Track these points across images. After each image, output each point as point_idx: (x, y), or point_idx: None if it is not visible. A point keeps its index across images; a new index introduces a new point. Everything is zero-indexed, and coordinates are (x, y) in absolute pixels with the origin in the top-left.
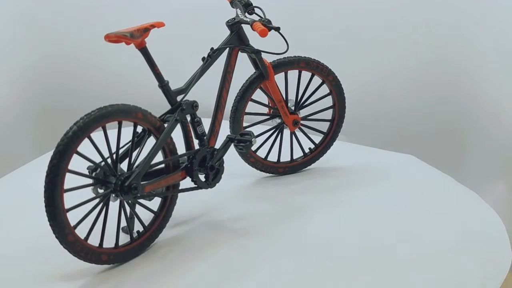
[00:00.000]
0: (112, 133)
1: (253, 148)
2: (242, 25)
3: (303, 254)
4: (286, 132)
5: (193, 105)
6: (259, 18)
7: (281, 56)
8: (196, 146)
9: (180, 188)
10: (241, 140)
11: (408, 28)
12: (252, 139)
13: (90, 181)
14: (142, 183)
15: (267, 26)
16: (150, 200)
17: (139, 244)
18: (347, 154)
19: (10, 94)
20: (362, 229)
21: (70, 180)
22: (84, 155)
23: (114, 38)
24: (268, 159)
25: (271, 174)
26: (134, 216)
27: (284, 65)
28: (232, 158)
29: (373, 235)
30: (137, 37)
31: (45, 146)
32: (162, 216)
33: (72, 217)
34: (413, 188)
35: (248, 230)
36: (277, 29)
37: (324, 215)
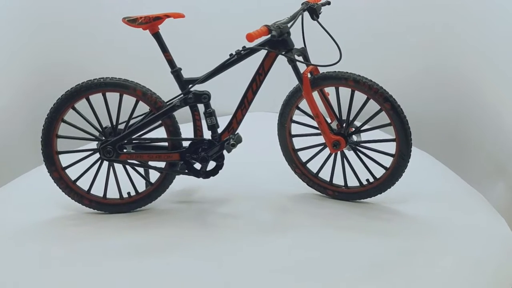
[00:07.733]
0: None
1: (303, 159)
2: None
3: (214, 267)
4: (350, 154)
5: (202, 96)
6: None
7: (331, 68)
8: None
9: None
10: (230, 142)
11: (407, 32)
12: (231, 142)
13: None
14: (129, 151)
15: (270, 30)
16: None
17: (124, 203)
18: (444, 202)
19: (12, 101)
20: (306, 273)
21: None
22: (79, 112)
23: (122, 20)
24: (319, 176)
25: (321, 194)
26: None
27: (328, 79)
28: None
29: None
30: (142, 23)
31: None
32: (154, 188)
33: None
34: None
35: (210, 230)
36: (273, 36)
37: (295, 248)
